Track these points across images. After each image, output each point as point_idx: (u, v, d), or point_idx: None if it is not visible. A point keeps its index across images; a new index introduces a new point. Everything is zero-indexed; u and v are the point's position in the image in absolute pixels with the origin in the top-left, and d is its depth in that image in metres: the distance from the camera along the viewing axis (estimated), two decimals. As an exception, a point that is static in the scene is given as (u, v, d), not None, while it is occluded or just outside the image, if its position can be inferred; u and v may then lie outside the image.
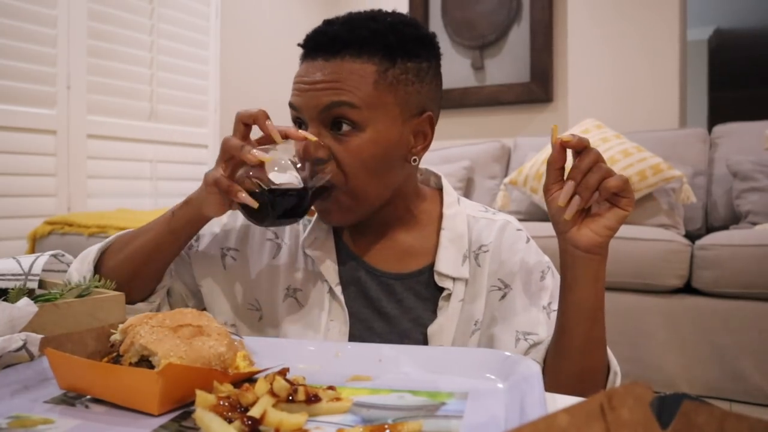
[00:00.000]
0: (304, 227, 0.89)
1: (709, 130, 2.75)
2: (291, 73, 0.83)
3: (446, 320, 0.83)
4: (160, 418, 0.49)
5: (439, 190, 0.93)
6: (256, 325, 0.89)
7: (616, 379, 0.79)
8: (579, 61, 3.25)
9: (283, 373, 0.53)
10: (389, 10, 0.83)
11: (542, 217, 2.64)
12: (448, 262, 0.85)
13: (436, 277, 0.84)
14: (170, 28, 2.94)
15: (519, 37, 3.35)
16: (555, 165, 0.71)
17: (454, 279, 0.84)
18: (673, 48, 3.05)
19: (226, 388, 0.50)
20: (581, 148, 0.68)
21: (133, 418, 0.49)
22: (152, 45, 2.85)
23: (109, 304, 0.68)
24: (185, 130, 3.05)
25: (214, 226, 0.91)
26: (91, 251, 0.85)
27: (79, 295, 0.68)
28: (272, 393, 0.47)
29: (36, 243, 2.21)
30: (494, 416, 0.51)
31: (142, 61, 2.81)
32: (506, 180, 2.71)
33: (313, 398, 0.49)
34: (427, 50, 0.82)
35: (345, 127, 0.77)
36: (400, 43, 0.79)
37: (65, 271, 0.84)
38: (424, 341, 0.83)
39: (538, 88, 3.27)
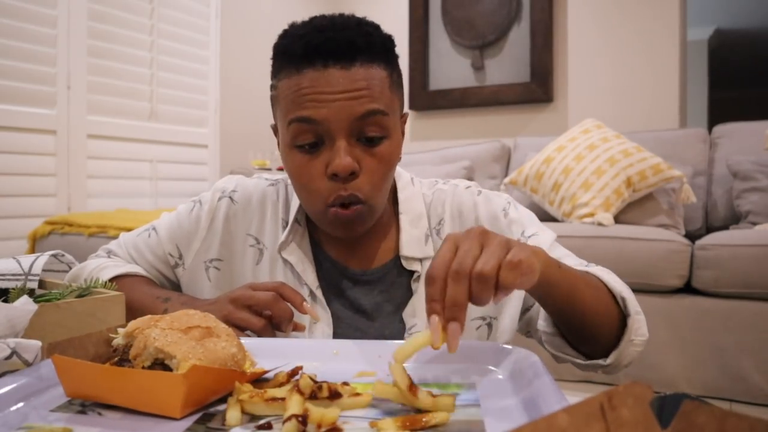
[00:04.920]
0: (282, 229, 0.88)
1: (709, 130, 2.75)
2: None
3: (418, 301, 0.83)
4: (183, 421, 0.48)
5: None
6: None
7: (626, 304, 0.76)
8: (579, 61, 3.25)
9: (296, 371, 0.53)
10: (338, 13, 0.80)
11: (543, 217, 2.64)
12: (411, 244, 0.84)
13: (404, 262, 0.84)
14: (170, 28, 2.94)
15: (519, 37, 3.35)
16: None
17: (421, 260, 0.84)
18: (673, 48, 3.05)
19: (247, 388, 0.51)
20: None
21: (155, 422, 0.48)
22: (152, 45, 2.85)
23: (109, 304, 0.68)
24: (185, 130, 3.05)
25: (193, 242, 0.91)
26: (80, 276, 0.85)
27: (80, 296, 0.68)
28: (298, 390, 0.48)
29: (36, 243, 2.21)
30: (509, 404, 0.51)
31: (142, 61, 2.81)
32: (506, 180, 2.71)
33: (335, 394, 0.50)
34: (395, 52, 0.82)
35: (376, 137, 0.76)
36: (390, 46, 0.80)
37: (65, 271, 0.84)
38: (403, 328, 0.83)
39: (538, 88, 3.27)
